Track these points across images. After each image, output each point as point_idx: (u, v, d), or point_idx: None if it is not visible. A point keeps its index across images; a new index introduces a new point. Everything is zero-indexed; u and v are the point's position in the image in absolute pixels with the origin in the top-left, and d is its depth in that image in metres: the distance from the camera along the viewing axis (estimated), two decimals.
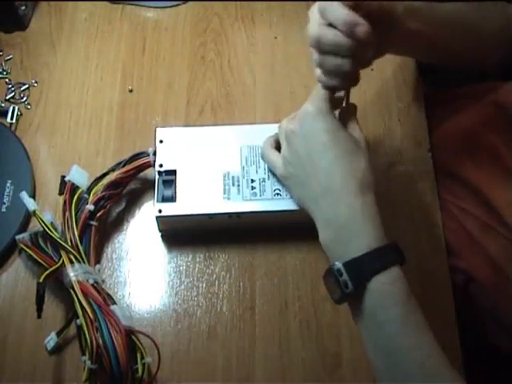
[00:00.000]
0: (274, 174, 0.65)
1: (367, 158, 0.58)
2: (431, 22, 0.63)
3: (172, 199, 0.64)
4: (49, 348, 0.61)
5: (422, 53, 0.69)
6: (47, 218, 0.63)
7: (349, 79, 0.58)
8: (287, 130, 0.60)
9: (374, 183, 0.57)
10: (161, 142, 0.68)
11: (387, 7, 0.57)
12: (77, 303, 0.59)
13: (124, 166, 0.67)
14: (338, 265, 0.53)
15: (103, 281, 0.65)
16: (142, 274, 0.67)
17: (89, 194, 0.65)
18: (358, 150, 0.58)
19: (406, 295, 0.52)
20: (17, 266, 0.66)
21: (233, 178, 0.66)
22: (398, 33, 0.60)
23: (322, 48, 0.55)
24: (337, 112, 0.61)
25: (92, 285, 0.61)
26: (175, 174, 0.66)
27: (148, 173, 0.69)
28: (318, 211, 0.57)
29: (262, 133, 0.68)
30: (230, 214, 0.64)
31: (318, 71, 0.58)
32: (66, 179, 0.66)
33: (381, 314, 0.52)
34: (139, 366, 0.58)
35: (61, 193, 0.66)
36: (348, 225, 0.55)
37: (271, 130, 0.68)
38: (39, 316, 0.59)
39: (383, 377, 0.53)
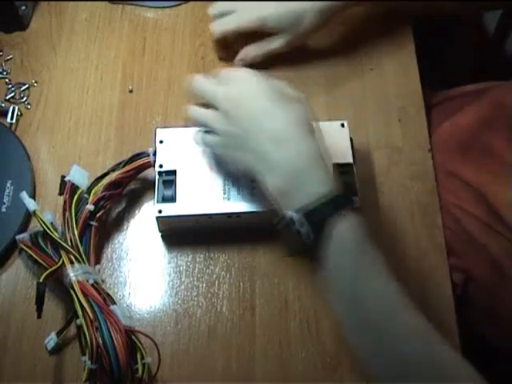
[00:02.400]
0: None
1: (305, 107, 0.59)
2: None
3: (172, 199, 0.64)
4: (49, 348, 0.62)
5: None
6: (47, 218, 0.63)
7: None
8: (222, 95, 0.61)
9: (313, 130, 0.59)
10: (161, 142, 0.68)
11: None
12: (77, 303, 0.59)
13: (124, 166, 0.67)
14: (291, 213, 0.53)
15: (103, 281, 0.65)
16: (142, 274, 0.67)
17: (89, 194, 0.65)
18: (291, 100, 0.59)
19: (363, 239, 0.53)
20: (17, 266, 0.66)
21: (233, 178, 0.65)
22: None
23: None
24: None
25: (92, 285, 0.61)
26: (175, 175, 0.66)
27: (148, 173, 0.69)
28: (265, 163, 0.57)
29: None
30: (229, 214, 0.64)
31: None
32: (66, 179, 0.66)
33: (338, 261, 0.53)
34: (139, 366, 0.58)
35: (61, 193, 0.66)
36: (299, 170, 0.56)
37: None
38: (39, 316, 0.59)
39: (352, 333, 0.54)
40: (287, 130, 0.57)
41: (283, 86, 0.61)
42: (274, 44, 0.76)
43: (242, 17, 0.75)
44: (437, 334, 0.51)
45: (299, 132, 0.57)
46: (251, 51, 0.77)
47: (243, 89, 0.61)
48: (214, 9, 0.78)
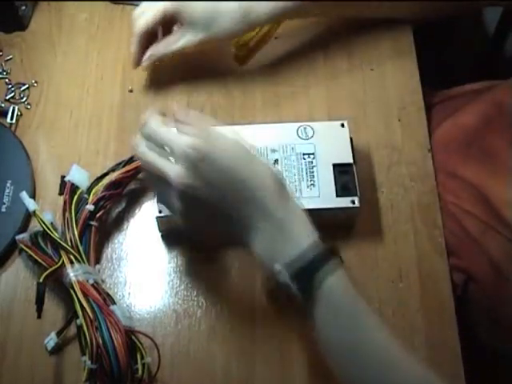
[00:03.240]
0: None
1: (271, 166, 0.58)
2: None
3: None
4: (49, 348, 0.61)
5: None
6: (47, 218, 0.63)
7: None
8: (180, 180, 0.53)
9: (283, 181, 0.56)
10: None
11: None
12: (77, 303, 0.59)
13: (124, 166, 0.67)
14: (279, 267, 0.52)
15: (103, 281, 0.65)
16: (142, 274, 0.67)
17: (89, 194, 0.65)
18: (259, 159, 0.56)
19: (350, 295, 0.53)
20: (17, 266, 0.66)
21: None
22: None
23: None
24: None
25: (92, 285, 0.61)
26: None
27: None
28: (246, 225, 0.54)
29: (262, 133, 0.68)
30: None
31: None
32: (66, 179, 0.66)
33: (329, 322, 0.53)
34: (139, 366, 0.58)
35: (61, 193, 0.66)
36: (282, 228, 0.53)
37: (271, 129, 0.68)
38: (39, 316, 0.59)
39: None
40: (264, 189, 0.54)
41: (248, 145, 0.56)
42: (183, 41, 0.72)
43: (161, 6, 0.71)
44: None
45: (275, 189, 0.54)
46: (159, 49, 0.73)
47: (216, 144, 0.54)
48: (138, 9, 0.74)
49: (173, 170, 0.54)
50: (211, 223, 0.57)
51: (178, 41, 0.72)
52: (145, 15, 0.72)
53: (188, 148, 0.53)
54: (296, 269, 0.52)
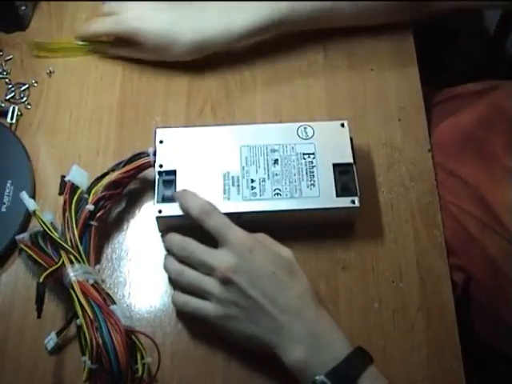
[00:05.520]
0: (270, 175, 0.65)
1: (307, 280, 0.60)
2: None
3: (172, 199, 0.64)
4: (49, 348, 0.61)
5: None
6: (47, 218, 0.63)
7: None
8: (225, 269, 0.58)
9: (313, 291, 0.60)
10: (161, 142, 0.68)
11: None
12: (77, 303, 0.59)
13: (124, 166, 0.67)
14: (322, 378, 0.54)
15: (103, 281, 0.65)
16: (142, 274, 0.67)
17: (89, 194, 0.65)
18: (297, 274, 0.60)
19: None
20: (17, 266, 0.66)
21: (233, 178, 0.66)
22: None
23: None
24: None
25: (92, 285, 0.61)
26: (175, 174, 0.66)
27: (148, 173, 0.69)
28: (283, 336, 0.57)
29: (262, 133, 0.68)
30: (229, 214, 0.64)
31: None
32: (66, 179, 0.66)
33: None
34: (139, 366, 0.58)
35: (61, 193, 0.66)
36: (318, 337, 0.56)
37: (271, 130, 0.68)
38: (39, 316, 0.59)
39: None
40: (302, 301, 0.58)
41: (289, 260, 0.61)
42: (144, 56, 0.77)
43: (116, 22, 0.74)
44: None
45: (310, 301, 0.58)
46: (122, 52, 0.78)
47: (257, 264, 0.59)
48: (106, 7, 0.77)
49: (219, 257, 0.60)
50: (246, 328, 0.58)
51: (139, 54, 0.77)
52: (98, 24, 0.76)
53: (241, 239, 0.60)
54: (338, 378, 0.54)
